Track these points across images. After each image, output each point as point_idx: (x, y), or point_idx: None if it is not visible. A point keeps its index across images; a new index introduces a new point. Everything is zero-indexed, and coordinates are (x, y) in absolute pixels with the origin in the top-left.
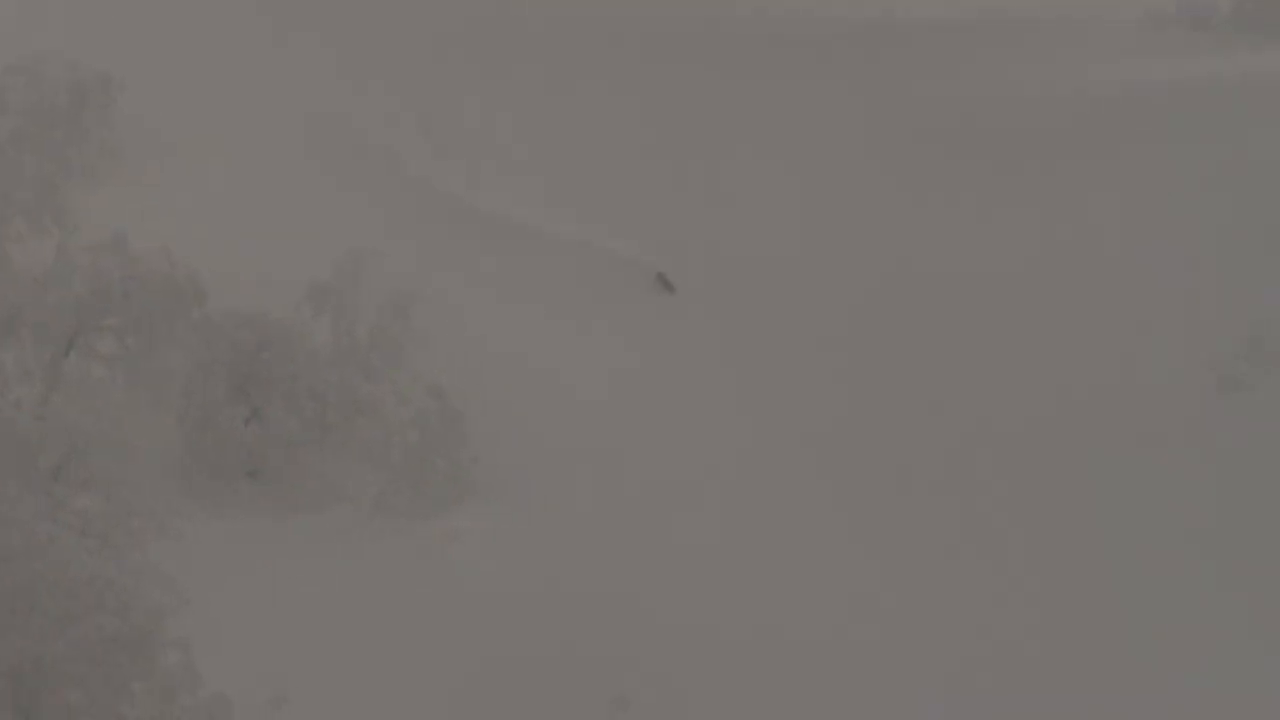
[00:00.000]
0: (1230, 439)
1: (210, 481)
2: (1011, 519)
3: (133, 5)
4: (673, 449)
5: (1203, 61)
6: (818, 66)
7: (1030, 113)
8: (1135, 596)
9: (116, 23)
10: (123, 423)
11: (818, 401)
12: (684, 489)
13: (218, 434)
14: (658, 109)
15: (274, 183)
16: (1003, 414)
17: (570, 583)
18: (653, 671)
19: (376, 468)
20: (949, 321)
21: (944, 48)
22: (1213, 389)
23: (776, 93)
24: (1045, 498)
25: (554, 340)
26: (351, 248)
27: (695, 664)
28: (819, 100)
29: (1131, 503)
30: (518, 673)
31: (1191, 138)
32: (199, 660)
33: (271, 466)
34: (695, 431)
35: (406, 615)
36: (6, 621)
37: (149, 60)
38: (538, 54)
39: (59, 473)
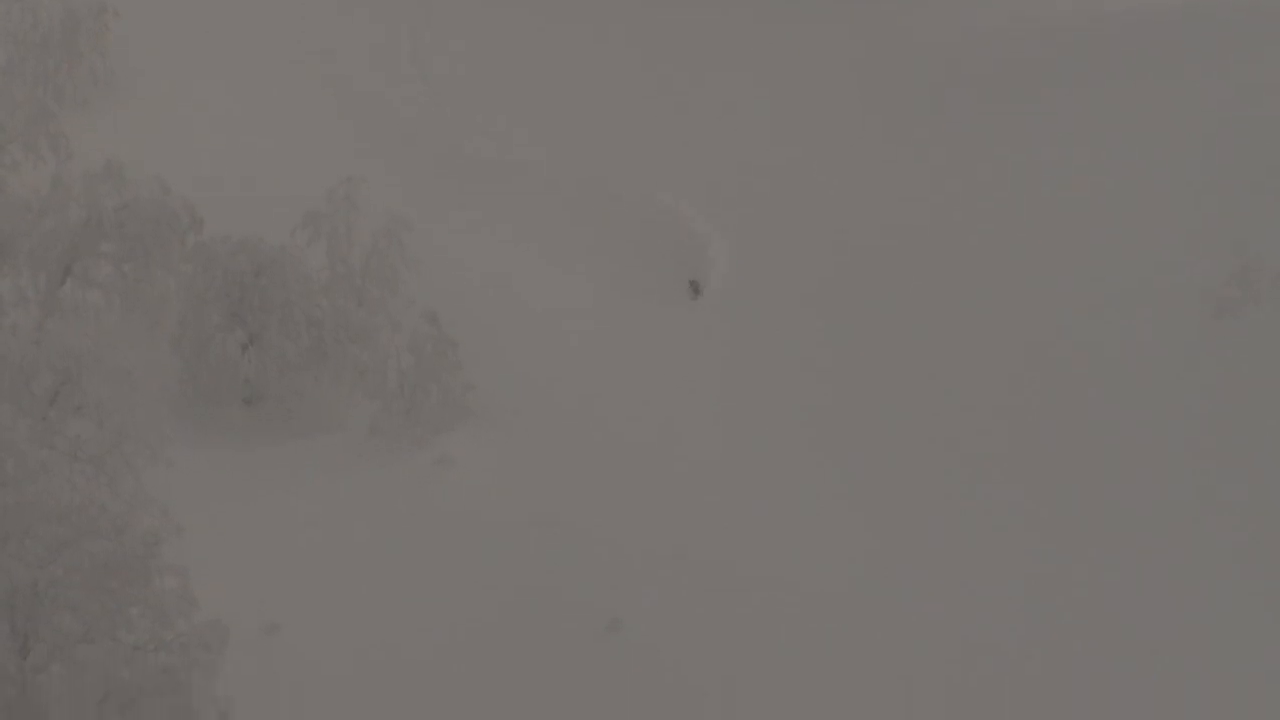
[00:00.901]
0: (1222, 366)
1: (205, 408)
2: (1006, 451)
3: None
4: (664, 379)
5: None
6: (808, 5)
7: (1032, 40)
8: (1128, 522)
9: None
10: (118, 349)
11: (804, 330)
12: (676, 418)
13: (213, 360)
14: (648, 48)
15: (267, 112)
16: (995, 345)
17: (563, 508)
18: (646, 595)
19: (371, 394)
20: (941, 251)
21: None
22: (1206, 316)
23: (766, 33)
24: (1039, 428)
25: (546, 272)
26: (346, 176)
27: (688, 588)
28: (808, 38)
29: (1124, 430)
30: (512, 597)
31: (1197, 65)
32: (194, 586)
33: (267, 393)
34: (685, 362)
35: (400, 540)
36: (0, 547)
37: None
38: None
39: (54, 398)
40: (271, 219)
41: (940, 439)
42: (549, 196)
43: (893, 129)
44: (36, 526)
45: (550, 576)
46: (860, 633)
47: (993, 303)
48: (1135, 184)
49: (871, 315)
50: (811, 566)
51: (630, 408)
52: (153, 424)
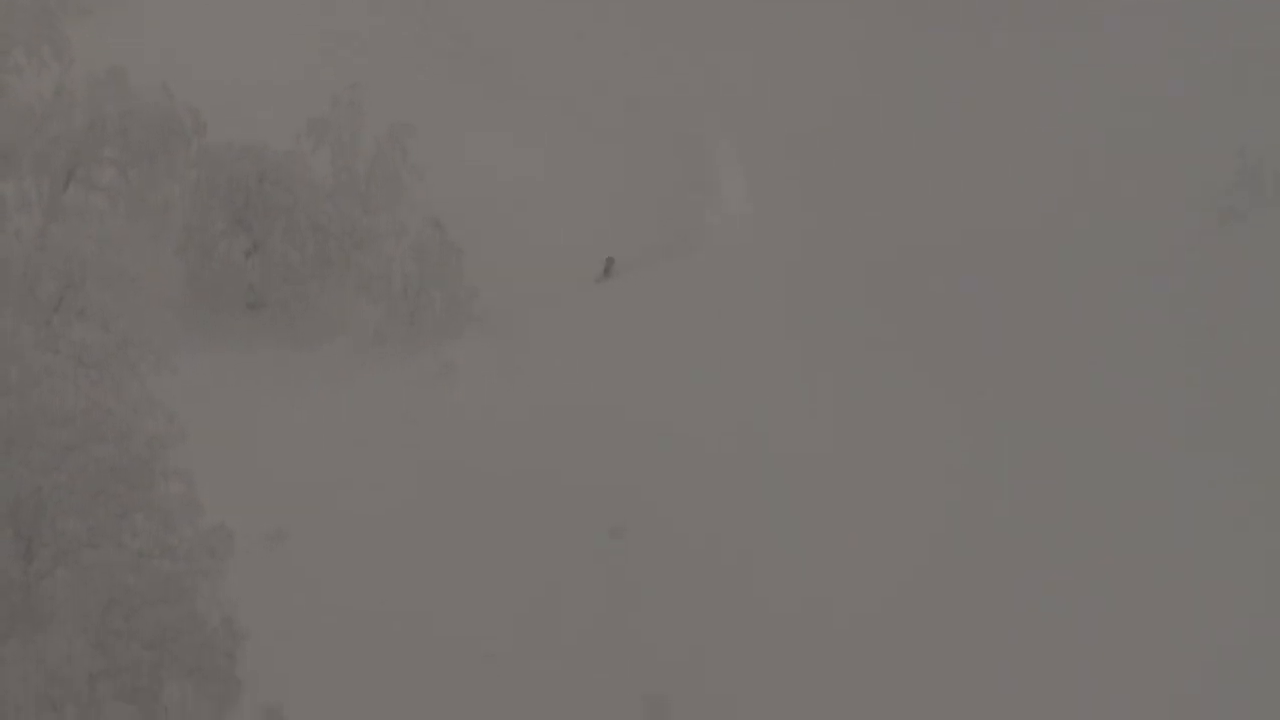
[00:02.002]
0: (1227, 269)
1: (209, 314)
2: (1005, 349)
3: None
4: (666, 286)
5: None
6: None
7: None
8: (1130, 419)
9: None
10: (122, 254)
11: (802, 215)
12: (678, 320)
13: (217, 266)
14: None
15: (271, 17)
16: (995, 246)
17: (567, 414)
18: (648, 500)
19: (375, 300)
20: (942, 146)
21: None
22: (1211, 220)
23: None
24: (1042, 325)
25: (554, 178)
26: (351, 81)
27: (688, 492)
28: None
29: (1128, 331)
30: (517, 503)
31: None
32: (199, 492)
33: (271, 299)
34: (688, 271)
35: (404, 447)
36: (5, 453)
37: None
38: None
39: (57, 304)
40: (275, 125)
41: (930, 333)
42: (558, 105)
43: (904, 16)
44: (41, 432)
45: (555, 481)
46: (844, 498)
47: (993, 205)
48: (1138, 88)
49: (866, 211)
50: (818, 455)
51: (632, 313)
52: (157, 329)
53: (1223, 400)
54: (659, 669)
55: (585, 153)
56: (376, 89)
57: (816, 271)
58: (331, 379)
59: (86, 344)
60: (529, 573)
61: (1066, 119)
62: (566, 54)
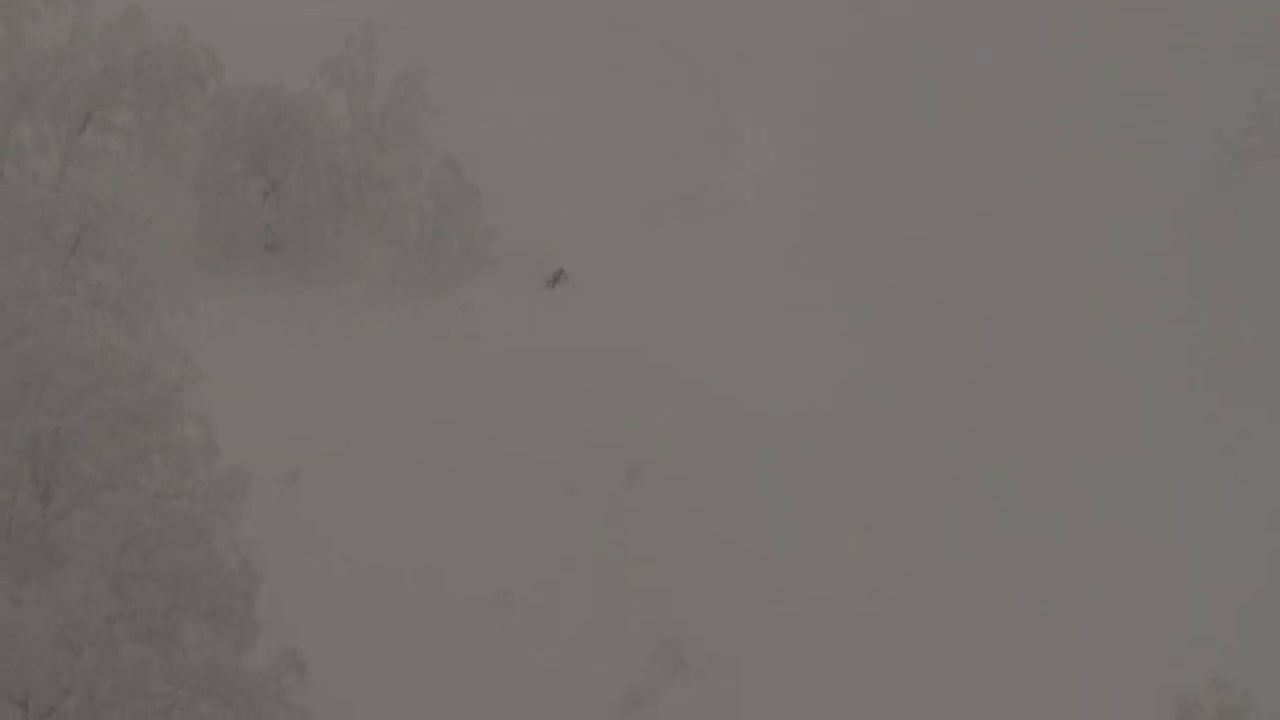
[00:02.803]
0: (1243, 209)
1: (226, 256)
2: (1023, 297)
3: None
4: (683, 229)
5: None
6: None
7: None
8: (1119, 351)
9: None
10: (138, 196)
11: (824, 169)
12: (697, 270)
13: (234, 208)
14: None
15: None
16: (1009, 183)
17: (584, 357)
18: (664, 445)
19: (391, 242)
20: (962, 100)
21: None
22: (1226, 161)
23: None
24: (1060, 273)
25: (573, 124)
26: (365, 22)
27: (705, 437)
28: None
29: (1143, 271)
30: (533, 445)
31: None
32: (215, 434)
33: (287, 240)
34: (710, 216)
35: (420, 389)
36: (21, 394)
37: None
38: None
39: (74, 245)
40: (291, 66)
41: (949, 286)
42: (579, 50)
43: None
44: (58, 374)
45: (573, 423)
46: (862, 449)
47: (1011, 156)
48: (1156, 31)
49: (886, 166)
50: (807, 394)
51: (651, 260)
52: (173, 272)
53: (1235, 340)
54: (672, 614)
55: (606, 99)
56: (392, 30)
57: (837, 224)
58: (348, 321)
59: (103, 286)
60: (544, 515)
61: (1085, 70)
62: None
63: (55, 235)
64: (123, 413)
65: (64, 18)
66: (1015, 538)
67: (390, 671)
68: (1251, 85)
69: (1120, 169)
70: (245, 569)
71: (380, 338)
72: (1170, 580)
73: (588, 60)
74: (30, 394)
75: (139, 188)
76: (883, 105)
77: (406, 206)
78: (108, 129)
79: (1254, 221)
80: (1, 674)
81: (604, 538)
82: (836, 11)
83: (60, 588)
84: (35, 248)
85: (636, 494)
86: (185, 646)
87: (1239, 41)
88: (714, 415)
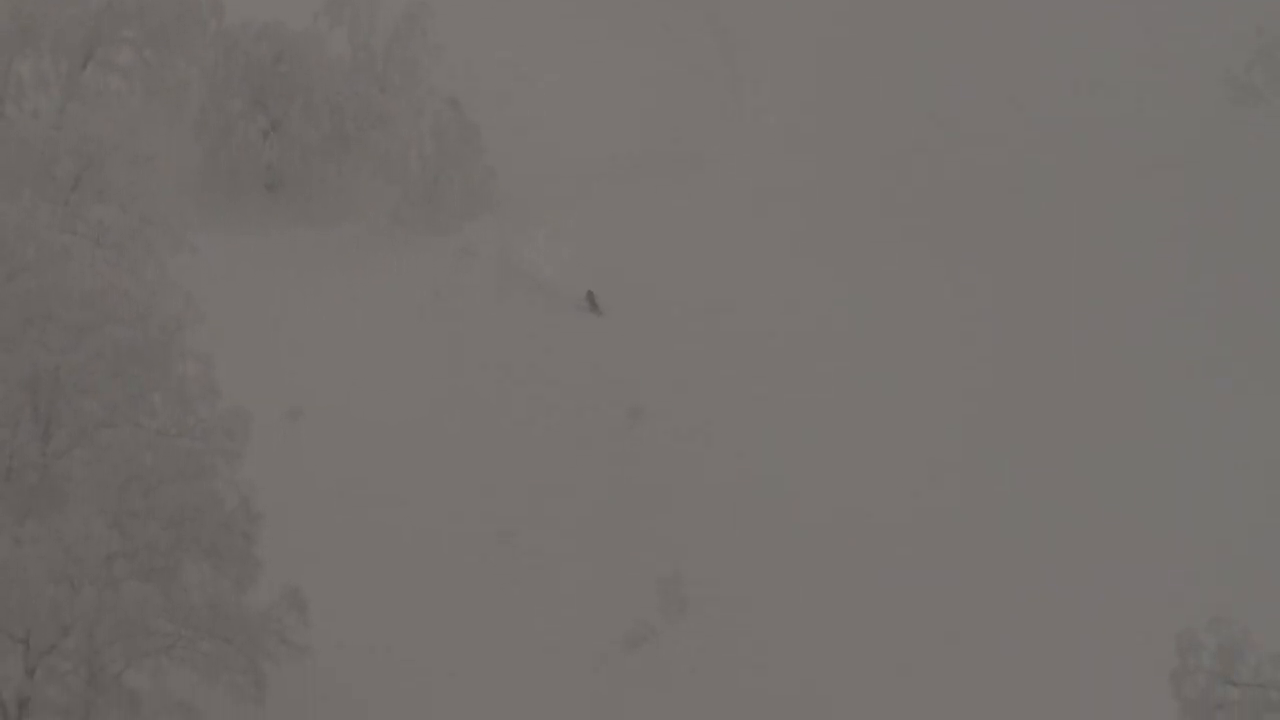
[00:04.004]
0: (1242, 149)
1: (227, 195)
2: (1021, 230)
3: None
4: (688, 164)
5: None
6: None
7: None
8: (1140, 292)
9: None
10: (140, 135)
11: (826, 106)
12: (702, 209)
13: (235, 147)
14: None
15: None
16: (1015, 126)
17: (584, 288)
18: (666, 382)
19: (392, 181)
20: (961, 35)
21: None
22: (1225, 101)
23: None
24: (1057, 207)
25: (573, 56)
26: None
27: (707, 374)
28: None
29: (1143, 211)
30: (535, 383)
31: None
32: (216, 372)
33: (289, 179)
34: (715, 157)
35: (421, 328)
36: (22, 332)
37: None
38: None
39: (76, 183)
40: (292, 4)
41: (951, 219)
42: None
43: None
44: (59, 312)
45: (577, 363)
46: (865, 381)
47: (1011, 89)
48: None
49: (887, 102)
50: (806, 337)
51: (655, 202)
52: (175, 210)
53: (1232, 279)
54: (674, 552)
55: (613, 42)
56: None
57: (841, 160)
58: (349, 260)
59: (104, 224)
60: (546, 452)
61: (1082, 5)
62: None
63: (56, 173)
64: (124, 351)
65: None
66: (1017, 483)
67: (392, 610)
68: (1251, 21)
69: (1118, 104)
70: (246, 507)
71: (381, 276)
72: (1171, 538)
73: (596, 1)
74: (31, 332)
75: (140, 126)
76: (887, 65)
77: (407, 145)
78: (109, 68)
79: (1251, 159)
80: (2, 611)
81: (606, 476)
82: None
83: (61, 526)
84: (36, 185)
85: (639, 432)
86: (186, 585)
87: None
88: (716, 355)
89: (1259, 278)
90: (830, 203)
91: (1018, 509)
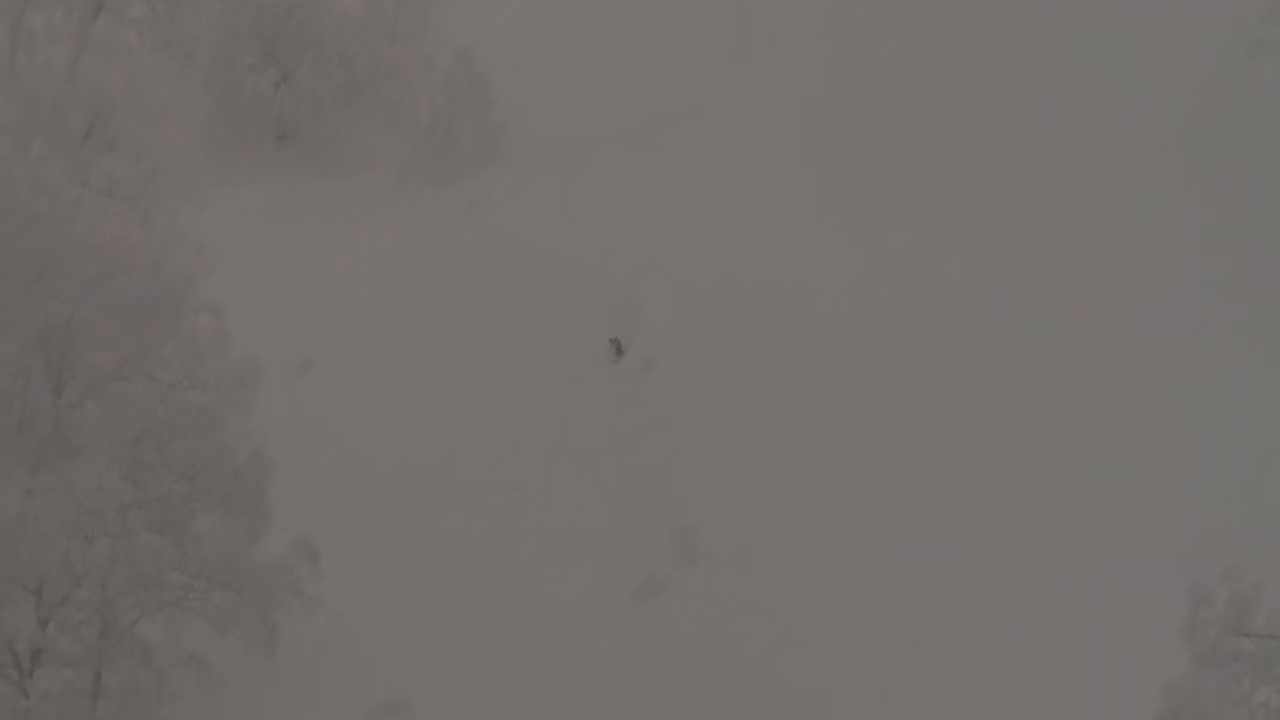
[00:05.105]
0: (1255, 101)
1: (238, 147)
2: (1027, 180)
3: None
4: (698, 118)
5: None
6: None
7: None
8: (1145, 242)
9: None
10: (150, 87)
11: (829, 52)
12: (712, 161)
13: (246, 99)
14: None
15: None
16: (1025, 75)
17: (596, 247)
18: (677, 331)
19: (404, 134)
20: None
21: None
22: (1238, 54)
23: None
24: (1064, 156)
25: (584, 11)
26: None
27: (717, 324)
28: None
29: (1151, 164)
30: (544, 334)
31: None
32: (227, 324)
33: (300, 131)
34: (723, 110)
35: (431, 278)
36: (33, 284)
37: None
38: None
39: (87, 135)
40: None
41: (954, 167)
42: None
43: None
44: (70, 263)
45: (583, 308)
46: (871, 327)
47: (1021, 36)
48: None
49: (891, 48)
50: (822, 275)
51: (665, 155)
52: (186, 162)
53: (1243, 231)
54: (686, 502)
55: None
56: None
57: (852, 126)
58: (360, 212)
59: (116, 176)
60: (557, 402)
61: None
62: None
63: (68, 125)
64: (135, 303)
65: None
66: (1027, 452)
67: (403, 560)
68: None
69: (1129, 55)
70: (258, 458)
71: (392, 228)
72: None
73: None
74: (42, 283)
75: (151, 79)
76: (899, 31)
77: (418, 97)
78: (120, 20)
79: (1264, 111)
80: (15, 563)
81: (618, 426)
82: None
83: (74, 477)
84: (48, 137)
85: (650, 382)
86: (198, 536)
87: None
88: (725, 302)
89: (1271, 248)
90: (840, 169)
91: (1029, 476)
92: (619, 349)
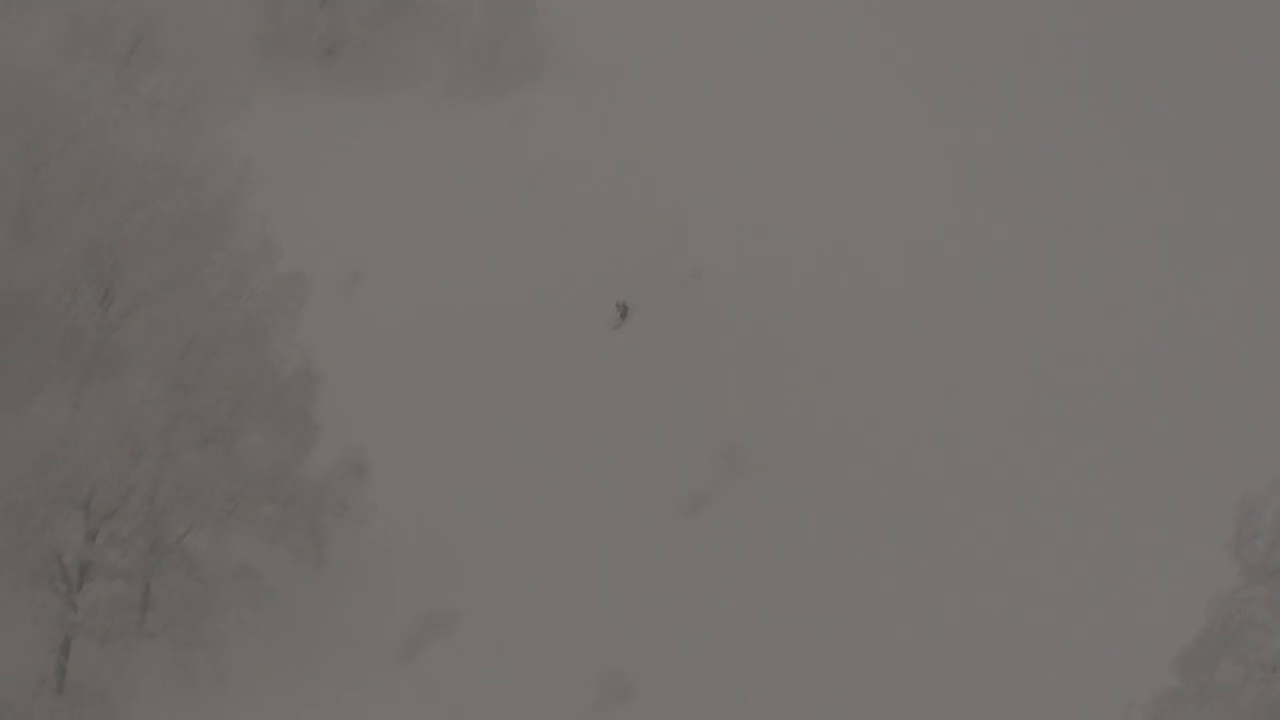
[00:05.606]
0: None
1: (283, 62)
2: (1003, 59)
3: None
4: (733, 37)
5: None
6: None
7: None
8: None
9: None
10: (197, 2)
11: None
12: (747, 78)
13: (290, 13)
14: None
15: None
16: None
17: (636, 157)
18: (720, 246)
19: (448, 48)
20: None
21: None
22: None
23: None
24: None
25: None
26: None
27: (757, 238)
28: None
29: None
30: (594, 247)
31: None
32: (275, 237)
33: (345, 46)
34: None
35: (478, 192)
36: (80, 199)
37: None
38: None
39: (132, 50)
40: None
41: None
42: None
43: None
44: (117, 178)
45: (623, 228)
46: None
47: None
48: None
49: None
50: (853, 190)
51: (704, 62)
52: (232, 77)
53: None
54: (734, 417)
55: None
56: None
57: (896, 39)
58: (406, 126)
59: (162, 90)
60: (601, 318)
61: None
62: None
63: (112, 41)
64: (183, 217)
65: None
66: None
67: (452, 472)
68: None
69: None
70: (306, 370)
71: (438, 141)
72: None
73: None
74: (89, 199)
75: None
76: None
77: (463, 10)
78: None
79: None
80: (63, 476)
81: (665, 342)
82: None
83: (121, 391)
84: (92, 53)
85: (697, 295)
86: (247, 449)
87: None
88: (771, 221)
89: None
90: (890, 93)
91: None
92: (624, 314)
